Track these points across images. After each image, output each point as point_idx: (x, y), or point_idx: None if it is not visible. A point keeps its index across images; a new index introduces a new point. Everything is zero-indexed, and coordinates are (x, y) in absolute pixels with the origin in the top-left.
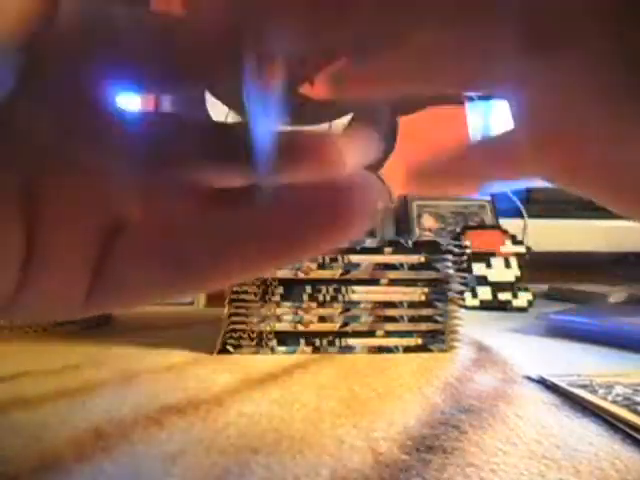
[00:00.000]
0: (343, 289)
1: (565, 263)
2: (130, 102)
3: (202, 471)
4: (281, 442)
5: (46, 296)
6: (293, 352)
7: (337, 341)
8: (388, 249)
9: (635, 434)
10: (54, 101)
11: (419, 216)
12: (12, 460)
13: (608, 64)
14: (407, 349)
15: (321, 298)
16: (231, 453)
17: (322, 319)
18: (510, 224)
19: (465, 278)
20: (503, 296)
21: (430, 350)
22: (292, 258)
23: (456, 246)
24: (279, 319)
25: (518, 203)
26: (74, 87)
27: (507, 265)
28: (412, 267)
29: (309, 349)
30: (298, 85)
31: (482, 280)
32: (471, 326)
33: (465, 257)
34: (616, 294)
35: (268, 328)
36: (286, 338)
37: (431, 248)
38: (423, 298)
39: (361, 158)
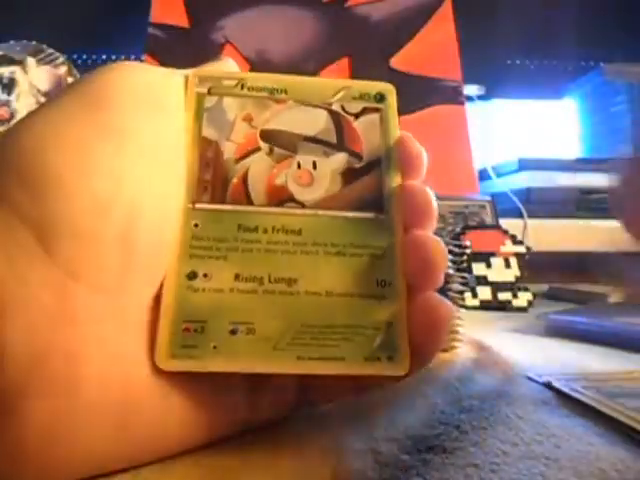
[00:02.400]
0: None
1: (565, 263)
2: None
3: (202, 471)
4: (281, 442)
5: None
6: None
7: None
8: None
9: (635, 434)
10: None
11: None
12: None
13: None
14: None
15: None
16: (231, 453)
17: None
18: (510, 224)
19: (465, 278)
20: (503, 296)
21: None
22: None
23: (456, 246)
24: None
25: (518, 203)
26: None
27: (507, 265)
28: None
29: None
30: None
31: (482, 280)
32: (471, 326)
33: (465, 257)
34: (616, 294)
35: None
36: None
37: None
38: None
39: None
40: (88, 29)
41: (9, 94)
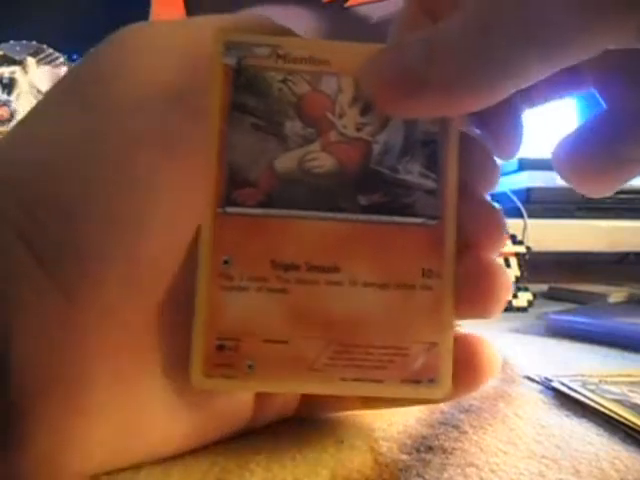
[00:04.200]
0: None
1: (565, 263)
2: None
3: (202, 471)
4: (281, 442)
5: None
6: None
7: None
8: None
9: (635, 434)
10: None
11: None
12: None
13: None
14: None
15: None
16: (231, 453)
17: None
18: (510, 224)
19: None
20: None
21: None
22: None
23: None
24: None
25: (518, 203)
26: None
27: (507, 265)
28: None
29: None
30: None
31: None
32: (471, 326)
33: None
34: (616, 294)
35: None
36: None
37: None
38: None
39: None
40: (88, 29)
41: (9, 94)
